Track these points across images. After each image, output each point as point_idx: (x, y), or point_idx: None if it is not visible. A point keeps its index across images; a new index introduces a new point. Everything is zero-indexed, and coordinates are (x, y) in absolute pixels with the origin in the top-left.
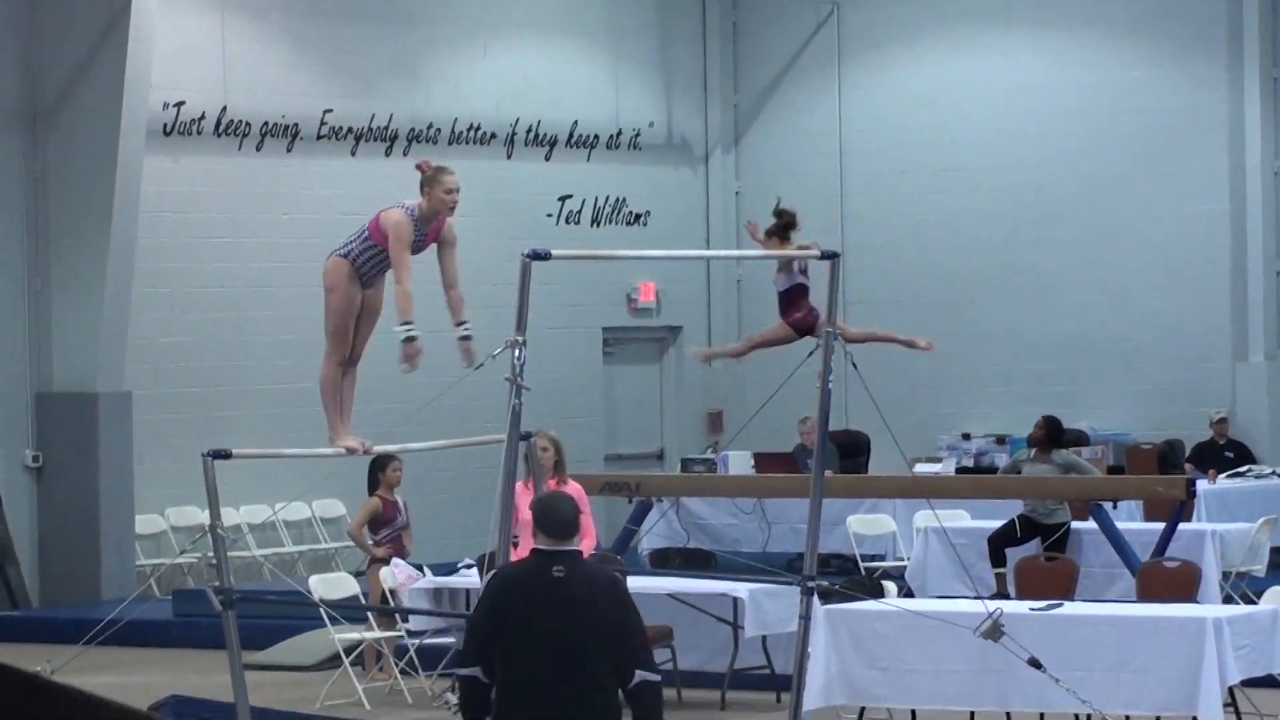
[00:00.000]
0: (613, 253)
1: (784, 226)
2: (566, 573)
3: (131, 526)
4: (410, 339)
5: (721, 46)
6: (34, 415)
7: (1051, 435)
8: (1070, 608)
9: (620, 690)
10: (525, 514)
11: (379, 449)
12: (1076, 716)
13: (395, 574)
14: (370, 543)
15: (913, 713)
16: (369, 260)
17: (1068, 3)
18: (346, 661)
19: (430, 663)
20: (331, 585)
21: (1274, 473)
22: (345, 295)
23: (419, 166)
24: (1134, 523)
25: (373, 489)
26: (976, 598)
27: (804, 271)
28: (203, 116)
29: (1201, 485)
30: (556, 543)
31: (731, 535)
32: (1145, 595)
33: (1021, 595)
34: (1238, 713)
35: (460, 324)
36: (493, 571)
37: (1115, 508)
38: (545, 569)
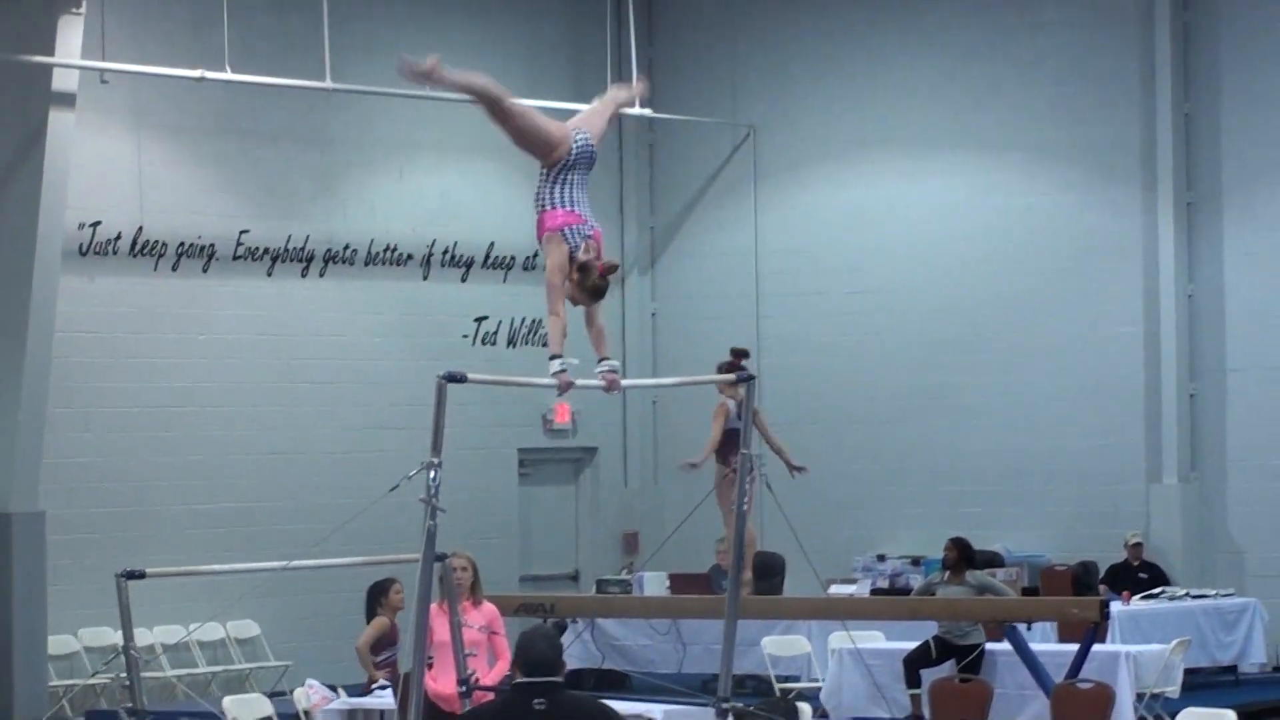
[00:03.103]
0: (529, 380)
1: (731, 366)
2: (549, 705)
3: (44, 647)
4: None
5: (638, 169)
6: None
7: (963, 556)
8: None
9: None
10: (440, 635)
11: (297, 563)
12: None
13: (309, 694)
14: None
15: None
16: None
17: (984, 127)
18: None
19: None
20: (245, 706)
21: (1188, 594)
22: None
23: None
24: (1048, 644)
25: (370, 614)
26: (891, 719)
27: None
28: (119, 236)
29: (1116, 607)
30: (536, 677)
31: (647, 656)
32: (1059, 717)
33: (936, 717)
34: None
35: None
36: (468, 711)
37: (1030, 629)
38: (524, 704)
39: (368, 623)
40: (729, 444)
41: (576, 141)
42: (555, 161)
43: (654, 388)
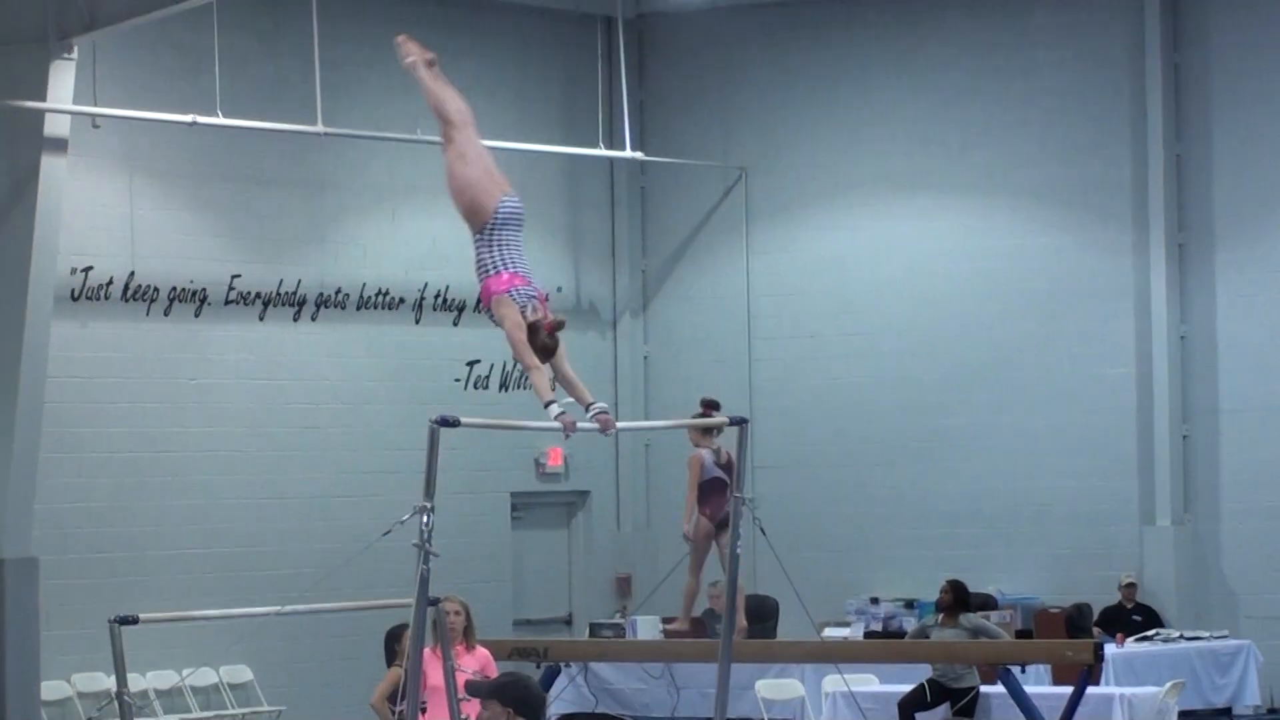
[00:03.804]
0: (524, 424)
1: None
2: None
3: (37, 693)
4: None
5: (630, 212)
6: None
7: (959, 599)
8: None
9: None
10: (434, 680)
11: (291, 608)
12: None
13: None
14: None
15: None
16: None
17: (976, 169)
18: None
19: None
20: None
21: (1181, 636)
22: None
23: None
24: (1042, 687)
25: (390, 659)
26: None
27: (723, 466)
28: (110, 281)
29: (1109, 649)
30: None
31: (640, 700)
32: None
33: None
34: None
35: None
36: None
37: (1023, 672)
38: None
39: (389, 666)
40: (705, 494)
41: (503, 204)
42: (483, 224)
43: (647, 430)
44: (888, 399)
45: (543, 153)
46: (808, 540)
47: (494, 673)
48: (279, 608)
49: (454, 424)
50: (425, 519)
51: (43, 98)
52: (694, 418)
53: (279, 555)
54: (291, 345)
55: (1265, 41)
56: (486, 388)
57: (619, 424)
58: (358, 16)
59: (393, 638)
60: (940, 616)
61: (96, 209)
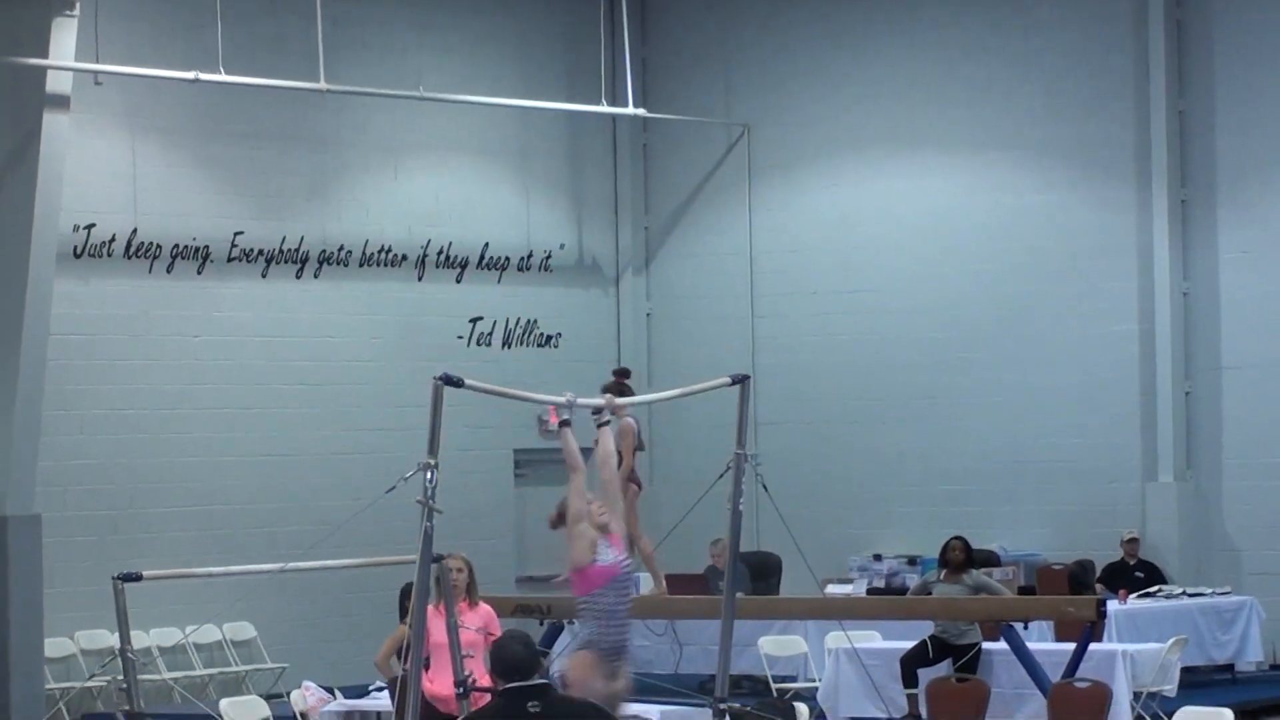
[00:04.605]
0: (528, 395)
1: (616, 386)
2: (543, 707)
3: (41, 650)
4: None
5: (632, 169)
6: None
7: (969, 557)
8: None
9: None
10: (437, 637)
11: (294, 565)
12: None
13: (306, 696)
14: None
15: None
16: None
17: (978, 126)
18: None
19: None
20: (242, 708)
21: (1184, 592)
22: None
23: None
24: (1045, 643)
25: (403, 616)
26: (888, 719)
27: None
28: (113, 239)
29: (1112, 605)
30: (521, 681)
31: (643, 657)
32: (1057, 716)
33: (934, 716)
34: None
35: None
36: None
37: (1026, 628)
38: (519, 707)
39: (401, 622)
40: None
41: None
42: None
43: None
44: (890, 355)
45: (545, 110)
46: (810, 497)
47: (497, 630)
48: (282, 564)
49: (458, 384)
50: (429, 475)
51: (45, 55)
52: (608, 386)
53: (281, 512)
54: (294, 302)
55: None
56: (489, 345)
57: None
58: None
59: (405, 595)
60: (943, 573)
61: (99, 166)
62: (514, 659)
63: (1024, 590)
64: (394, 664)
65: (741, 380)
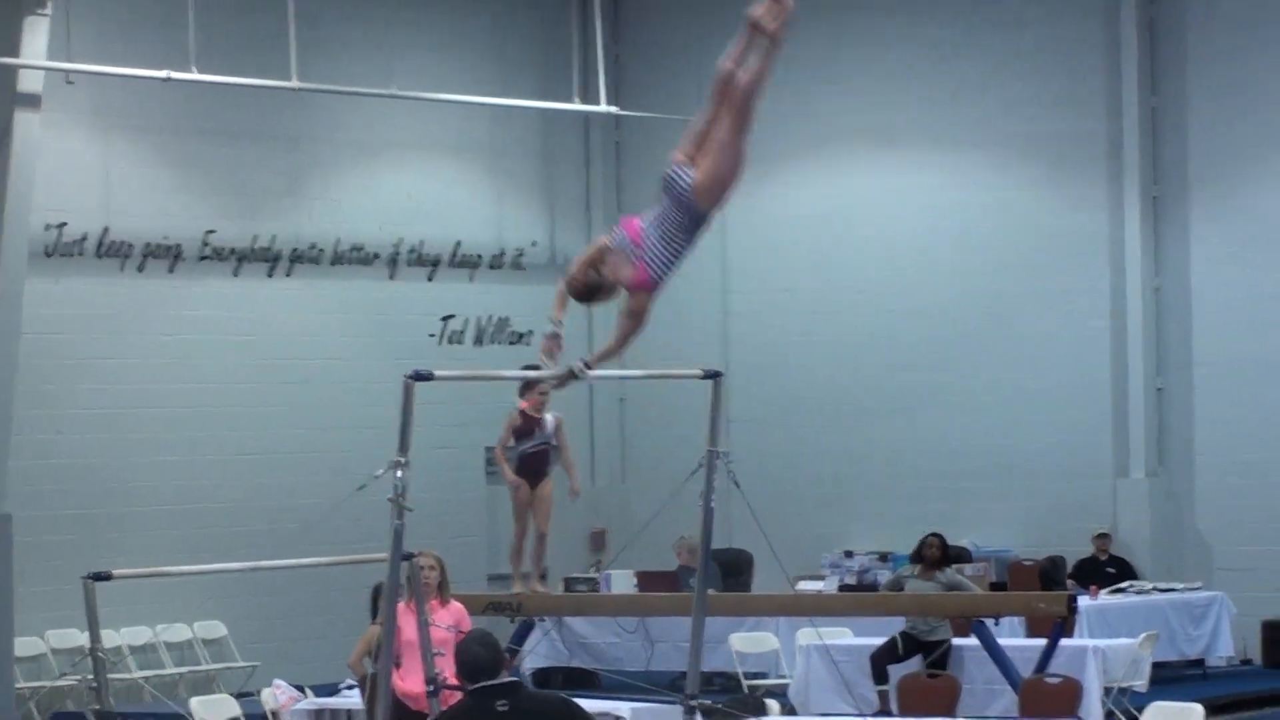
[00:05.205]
0: (496, 374)
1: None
2: (511, 705)
3: (11, 649)
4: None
5: (605, 167)
6: None
7: (946, 554)
8: None
9: None
10: (408, 634)
11: (264, 564)
12: None
13: (277, 695)
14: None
15: None
16: None
17: (950, 122)
18: None
19: None
20: (212, 707)
21: (1155, 588)
22: None
23: None
24: (1016, 639)
25: (375, 615)
26: (859, 715)
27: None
28: (84, 238)
29: (1083, 601)
30: (488, 680)
31: (614, 654)
32: (1027, 712)
33: (904, 712)
34: None
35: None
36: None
37: (997, 624)
38: (487, 707)
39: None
40: (528, 460)
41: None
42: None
43: (620, 385)
44: (862, 352)
45: (517, 107)
46: (782, 494)
47: (468, 627)
48: (253, 563)
49: (428, 378)
50: (399, 474)
51: (16, 54)
52: (529, 382)
53: (253, 511)
54: (266, 301)
55: None
56: (461, 342)
57: (592, 373)
58: None
59: (377, 595)
60: (918, 569)
61: (70, 165)
62: (476, 660)
63: (995, 586)
64: (366, 664)
65: (713, 376)
